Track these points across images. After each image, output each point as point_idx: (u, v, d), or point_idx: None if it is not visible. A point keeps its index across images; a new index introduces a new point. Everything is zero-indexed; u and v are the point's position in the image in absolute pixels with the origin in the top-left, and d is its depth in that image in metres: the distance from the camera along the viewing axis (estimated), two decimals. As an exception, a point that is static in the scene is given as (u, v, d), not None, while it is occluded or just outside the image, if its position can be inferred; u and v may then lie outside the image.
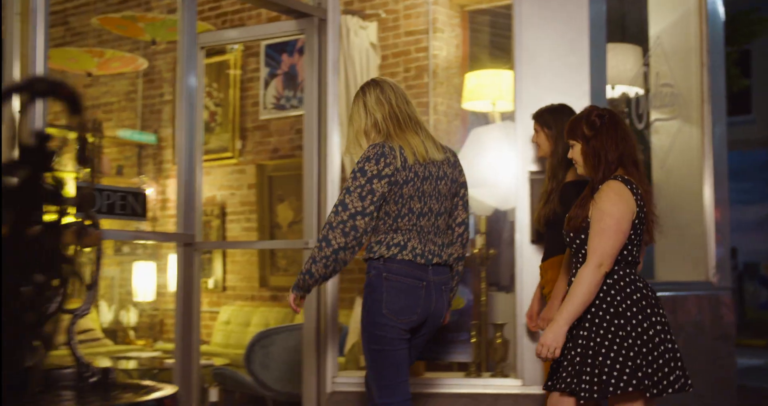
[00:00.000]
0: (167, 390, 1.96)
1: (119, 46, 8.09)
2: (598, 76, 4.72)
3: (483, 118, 6.64)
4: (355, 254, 3.26)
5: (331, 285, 4.67)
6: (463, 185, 3.49)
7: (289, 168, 7.68)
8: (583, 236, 3.14)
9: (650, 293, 3.14)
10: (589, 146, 3.19)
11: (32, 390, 1.19)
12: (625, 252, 3.11)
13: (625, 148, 3.18)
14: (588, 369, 3.05)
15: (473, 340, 4.81)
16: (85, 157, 1.22)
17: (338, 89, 4.81)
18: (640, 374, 3.00)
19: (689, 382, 3.09)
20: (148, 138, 8.38)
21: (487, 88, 6.26)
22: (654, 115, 6.00)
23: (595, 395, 3.02)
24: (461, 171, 3.49)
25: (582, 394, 3.04)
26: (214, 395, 5.06)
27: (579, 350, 3.09)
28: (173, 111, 8.75)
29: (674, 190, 5.94)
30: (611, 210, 3.05)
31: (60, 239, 1.23)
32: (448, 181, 3.38)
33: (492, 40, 7.30)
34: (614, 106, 5.63)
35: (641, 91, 5.85)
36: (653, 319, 3.08)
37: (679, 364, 3.08)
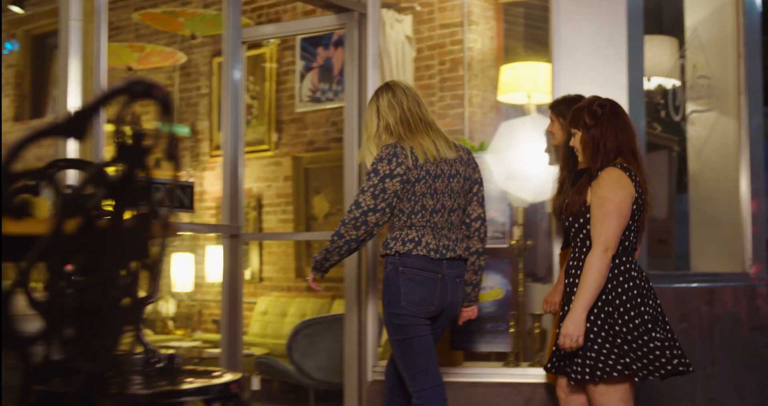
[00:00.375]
0: (232, 376, 2.04)
1: (155, 40, 8.21)
2: (635, 69, 4.75)
3: (518, 111, 6.69)
4: (366, 242, 3.44)
5: (372, 277, 4.76)
6: (477, 181, 3.58)
7: (325, 160, 7.77)
8: (581, 220, 3.22)
9: (642, 283, 3.21)
10: (589, 134, 3.27)
11: (125, 377, 1.28)
12: (622, 238, 3.19)
13: (624, 137, 3.26)
14: (580, 352, 3.15)
15: (511, 330, 4.87)
16: (173, 154, 1.30)
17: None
18: (627, 360, 3.09)
19: (681, 368, 3.16)
20: (182, 130, 8.50)
21: (522, 80, 6.31)
22: (690, 107, 6.01)
23: (587, 377, 3.12)
24: (475, 168, 3.59)
25: (573, 376, 3.16)
26: (256, 383, 5.17)
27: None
28: (209, 104, 8.87)
29: (710, 181, 5.96)
30: (611, 196, 3.13)
31: (150, 230, 1.31)
32: (461, 178, 3.48)
33: (526, 32, 7.33)
34: (651, 98, 5.65)
35: (678, 83, 5.87)
36: (642, 308, 3.16)
37: (669, 352, 3.15)
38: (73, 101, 3.33)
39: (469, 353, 5.05)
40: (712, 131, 5.99)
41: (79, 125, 1.14)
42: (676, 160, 6.57)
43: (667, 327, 3.22)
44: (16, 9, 7.88)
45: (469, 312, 3.71)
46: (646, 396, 4.44)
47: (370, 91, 4.77)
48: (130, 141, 1.20)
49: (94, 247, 1.19)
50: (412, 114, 3.45)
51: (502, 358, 5.01)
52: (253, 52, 8.22)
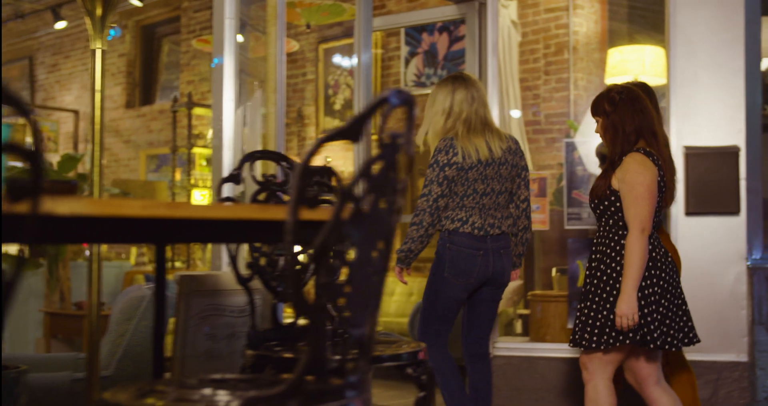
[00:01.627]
0: (416, 345, 2.27)
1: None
2: (752, 52, 4.82)
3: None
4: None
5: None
6: (524, 168, 4.02)
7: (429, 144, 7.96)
8: (606, 203, 3.42)
9: (658, 256, 3.38)
10: (608, 121, 3.47)
11: (372, 342, 1.51)
12: None
13: (643, 120, 3.45)
14: (587, 320, 3.37)
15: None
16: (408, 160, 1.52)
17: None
18: (630, 334, 3.28)
19: (684, 340, 3.38)
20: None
21: (630, 63, 6.39)
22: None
23: (584, 344, 3.35)
24: (522, 156, 4.03)
25: (579, 341, 3.37)
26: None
27: (583, 305, 3.41)
28: (315, 90, 9.16)
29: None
30: (640, 179, 3.33)
31: (395, 217, 1.55)
32: (509, 166, 3.92)
33: (630, 14, 7.39)
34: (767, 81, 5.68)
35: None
36: (653, 280, 3.33)
37: (666, 326, 3.32)
38: (228, 95, 3.59)
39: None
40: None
41: (357, 129, 1.37)
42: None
43: (677, 301, 3.41)
44: (134, 1, 8.26)
45: (513, 275, 4.12)
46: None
47: (491, 79, 4.96)
48: (387, 140, 1.43)
49: (362, 230, 1.42)
50: (478, 116, 3.90)
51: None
52: (343, 41, 8.46)
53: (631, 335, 3.29)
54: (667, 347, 3.33)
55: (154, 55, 11.30)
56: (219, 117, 4.03)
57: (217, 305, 2.44)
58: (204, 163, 9.52)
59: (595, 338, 3.34)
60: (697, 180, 4.81)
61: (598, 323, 3.35)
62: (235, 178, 2.40)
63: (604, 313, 3.34)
